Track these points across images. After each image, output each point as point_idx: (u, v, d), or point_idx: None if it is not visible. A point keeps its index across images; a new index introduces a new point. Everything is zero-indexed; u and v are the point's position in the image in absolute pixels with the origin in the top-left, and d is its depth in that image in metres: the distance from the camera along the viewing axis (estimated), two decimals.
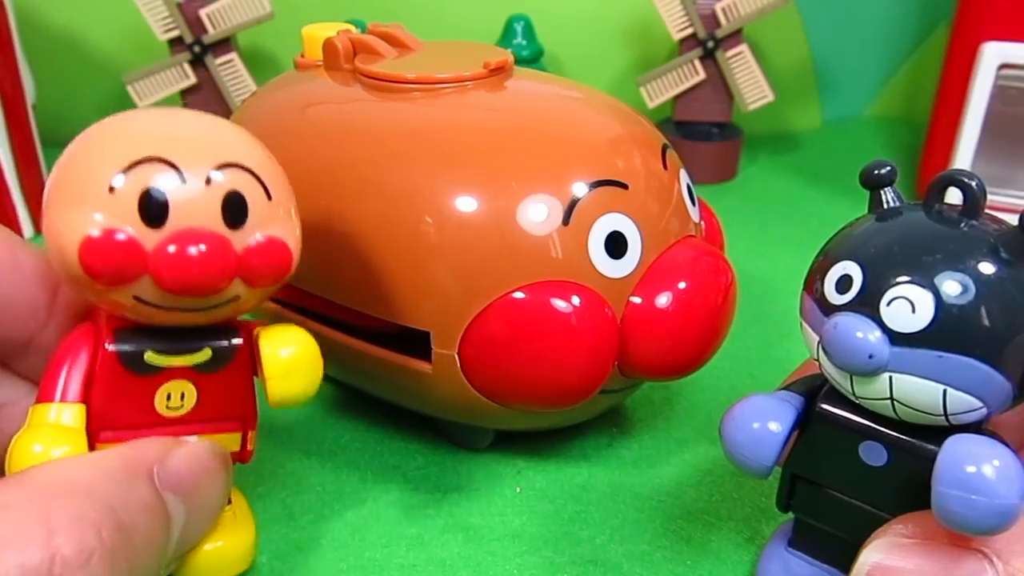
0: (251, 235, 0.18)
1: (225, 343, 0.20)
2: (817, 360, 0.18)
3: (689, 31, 0.50)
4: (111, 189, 0.17)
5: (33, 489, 0.16)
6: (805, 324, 0.19)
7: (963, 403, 0.16)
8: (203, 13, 0.49)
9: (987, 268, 0.16)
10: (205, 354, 0.20)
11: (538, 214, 0.23)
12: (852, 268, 0.17)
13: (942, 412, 0.16)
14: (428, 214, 0.24)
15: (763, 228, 0.46)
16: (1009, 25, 0.42)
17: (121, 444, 0.19)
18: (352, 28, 0.32)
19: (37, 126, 0.45)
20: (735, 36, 0.50)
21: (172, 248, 0.17)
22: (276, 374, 0.20)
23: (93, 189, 0.17)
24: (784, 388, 0.21)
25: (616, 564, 0.24)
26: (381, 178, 0.25)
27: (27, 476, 0.17)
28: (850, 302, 0.17)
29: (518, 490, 0.27)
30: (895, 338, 0.16)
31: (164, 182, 0.17)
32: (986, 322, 0.16)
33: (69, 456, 0.18)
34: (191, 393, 0.20)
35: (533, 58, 0.53)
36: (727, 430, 0.20)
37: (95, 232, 0.17)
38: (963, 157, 0.44)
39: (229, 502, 0.22)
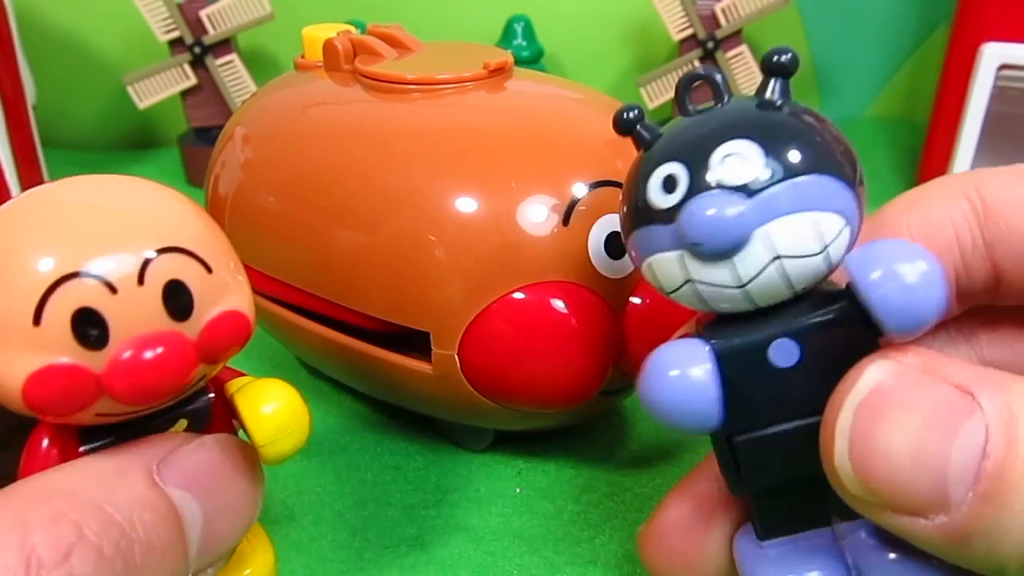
0: (203, 317, 0.17)
1: (197, 406, 0.19)
2: (685, 291, 0.17)
3: (689, 32, 0.50)
4: (36, 321, 0.15)
5: (13, 498, 0.15)
6: (657, 259, 0.17)
7: (833, 225, 0.16)
8: (203, 14, 0.49)
9: (774, 108, 0.17)
10: (180, 426, 0.19)
11: (538, 214, 0.23)
12: (668, 168, 0.17)
13: (820, 246, 0.16)
14: (428, 215, 0.24)
15: None
16: (1009, 25, 0.42)
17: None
18: (352, 29, 0.32)
19: (37, 126, 0.45)
20: (735, 37, 0.50)
21: (124, 362, 0.16)
22: (266, 439, 0.18)
23: (15, 324, 0.15)
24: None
25: (616, 565, 0.24)
26: (381, 179, 0.25)
27: (11, 488, 0.16)
28: (688, 191, 0.17)
29: (518, 491, 0.27)
30: (747, 192, 0.16)
31: (92, 297, 0.15)
32: (802, 139, 0.16)
33: (55, 467, 0.17)
34: None
35: (533, 59, 0.53)
36: (648, 393, 0.17)
37: (32, 372, 0.15)
38: (963, 157, 0.44)
39: None
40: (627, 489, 0.27)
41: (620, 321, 0.24)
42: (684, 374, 0.17)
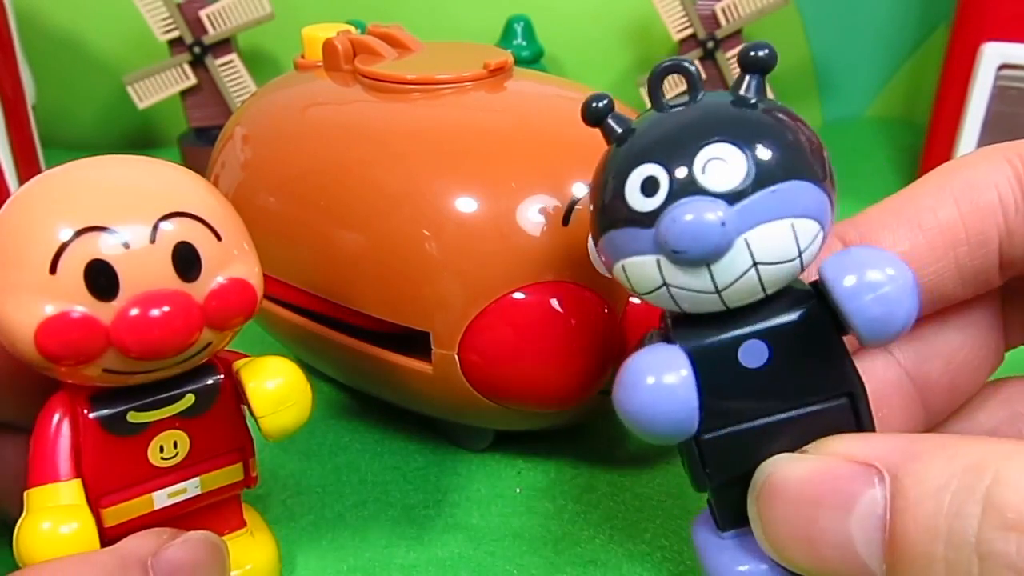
0: (210, 281, 0.18)
1: (206, 383, 0.19)
2: (655, 295, 0.17)
3: (689, 31, 0.50)
4: (52, 269, 0.16)
5: None
6: (632, 262, 0.17)
7: (809, 229, 0.16)
8: (203, 14, 0.49)
9: (750, 106, 0.17)
10: (188, 400, 0.19)
11: (538, 214, 0.23)
12: (648, 169, 0.17)
13: (797, 251, 0.16)
14: (428, 215, 0.24)
15: None
16: (1009, 25, 0.42)
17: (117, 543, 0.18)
18: (352, 29, 0.32)
19: (37, 126, 0.45)
20: (735, 37, 0.50)
21: (132, 316, 0.16)
22: (266, 411, 0.19)
23: (33, 272, 0.16)
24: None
25: (616, 564, 0.24)
26: (381, 179, 0.25)
27: (23, 573, 0.17)
28: (669, 195, 0.16)
29: (518, 490, 0.27)
30: (728, 199, 0.16)
31: (106, 251, 0.17)
32: (782, 144, 0.16)
33: (61, 558, 0.17)
34: (183, 440, 0.20)
35: (533, 59, 0.53)
36: (625, 403, 0.17)
37: (46, 318, 0.16)
38: None
39: (245, 524, 0.23)
40: (627, 489, 0.27)
41: (620, 321, 0.24)
42: (662, 382, 0.17)
